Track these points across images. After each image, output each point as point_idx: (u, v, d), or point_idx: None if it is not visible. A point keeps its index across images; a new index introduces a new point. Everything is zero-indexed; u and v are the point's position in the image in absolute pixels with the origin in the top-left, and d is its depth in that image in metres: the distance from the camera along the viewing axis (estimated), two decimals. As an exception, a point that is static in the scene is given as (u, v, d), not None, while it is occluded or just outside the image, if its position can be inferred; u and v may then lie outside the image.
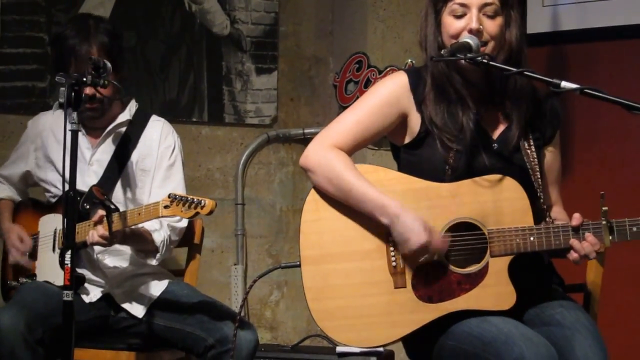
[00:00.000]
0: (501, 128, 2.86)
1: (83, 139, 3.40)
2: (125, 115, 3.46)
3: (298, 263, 2.81)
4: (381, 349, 3.91)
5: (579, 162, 4.21)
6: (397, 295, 2.74)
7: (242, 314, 4.55)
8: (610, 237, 2.67)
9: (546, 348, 2.58)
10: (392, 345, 2.86)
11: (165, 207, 3.02)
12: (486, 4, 2.78)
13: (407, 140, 2.87)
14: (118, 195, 3.39)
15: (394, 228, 2.71)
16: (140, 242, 3.31)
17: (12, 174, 3.57)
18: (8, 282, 3.45)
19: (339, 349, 3.91)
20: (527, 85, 2.85)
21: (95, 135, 3.44)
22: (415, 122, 2.84)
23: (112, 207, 3.10)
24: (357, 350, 3.84)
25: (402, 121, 2.86)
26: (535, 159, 2.83)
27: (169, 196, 3.01)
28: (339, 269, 2.77)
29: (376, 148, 4.35)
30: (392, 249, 2.75)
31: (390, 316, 2.74)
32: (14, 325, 3.03)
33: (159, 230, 3.33)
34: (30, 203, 3.57)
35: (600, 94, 2.57)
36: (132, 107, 3.50)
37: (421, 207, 2.75)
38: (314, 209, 2.83)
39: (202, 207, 2.97)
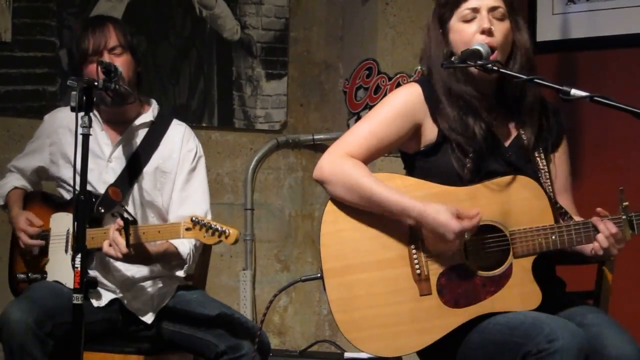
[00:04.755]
0: (513, 136, 2.87)
1: (102, 135, 3.40)
2: (148, 116, 3.46)
3: (319, 275, 2.77)
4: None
5: (589, 169, 4.20)
6: (423, 302, 2.72)
7: (252, 318, 4.55)
8: (631, 232, 2.66)
9: (574, 326, 2.58)
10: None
11: (187, 229, 3.00)
12: (495, 7, 2.81)
13: (422, 147, 2.86)
14: (134, 195, 3.39)
15: (424, 226, 2.70)
16: (166, 258, 3.31)
17: (26, 166, 3.54)
18: (17, 275, 3.44)
19: (347, 354, 3.90)
20: (539, 94, 2.86)
21: (116, 132, 3.43)
22: (430, 131, 2.84)
23: (130, 218, 3.09)
24: (366, 356, 3.83)
25: (416, 131, 2.85)
26: (545, 167, 2.84)
27: (192, 220, 3.01)
28: (362, 279, 2.74)
29: (385, 154, 4.34)
30: (415, 255, 2.74)
31: (418, 323, 2.71)
32: (22, 319, 3.03)
33: (184, 242, 3.29)
34: (41, 197, 3.53)
35: (610, 102, 2.57)
36: (155, 109, 3.50)
37: None
38: (333, 220, 2.79)
39: (226, 237, 2.95)
